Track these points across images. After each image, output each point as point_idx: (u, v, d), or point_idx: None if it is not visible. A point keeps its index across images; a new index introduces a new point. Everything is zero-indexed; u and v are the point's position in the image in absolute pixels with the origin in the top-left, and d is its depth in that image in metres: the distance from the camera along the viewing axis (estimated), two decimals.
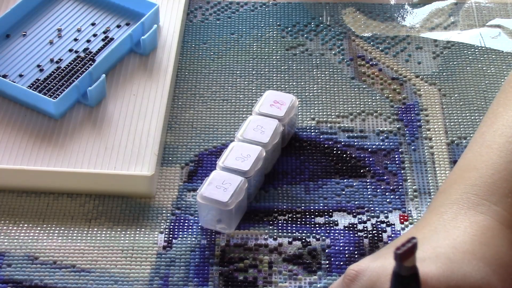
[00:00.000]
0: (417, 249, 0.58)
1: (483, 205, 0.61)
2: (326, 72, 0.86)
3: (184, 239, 0.72)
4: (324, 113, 0.82)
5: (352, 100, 0.84)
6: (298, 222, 0.73)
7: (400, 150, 0.79)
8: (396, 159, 0.78)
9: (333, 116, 0.82)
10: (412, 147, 0.79)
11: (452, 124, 0.81)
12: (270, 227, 0.73)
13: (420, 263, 0.54)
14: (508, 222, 0.60)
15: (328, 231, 0.73)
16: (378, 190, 0.76)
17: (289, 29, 0.91)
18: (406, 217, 0.74)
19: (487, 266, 0.57)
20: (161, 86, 0.83)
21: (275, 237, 0.72)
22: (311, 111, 0.83)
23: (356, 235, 0.72)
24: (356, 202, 0.75)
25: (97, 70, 0.82)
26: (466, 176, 0.64)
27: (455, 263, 0.56)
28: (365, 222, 0.73)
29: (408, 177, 0.77)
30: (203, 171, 0.77)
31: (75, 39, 0.87)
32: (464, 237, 0.59)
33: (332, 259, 0.70)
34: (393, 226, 0.73)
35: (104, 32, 0.88)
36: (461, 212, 0.61)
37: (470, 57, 0.88)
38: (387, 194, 0.76)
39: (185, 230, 0.73)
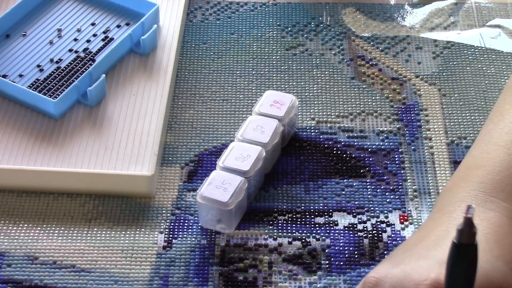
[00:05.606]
0: (435, 251, 0.57)
1: (492, 202, 0.61)
2: (326, 72, 0.86)
3: (184, 239, 0.72)
4: (324, 113, 0.82)
5: (352, 100, 0.84)
6: (298, 222, 0.73)
7: (400, 150, 0.79)
8: (396, 159, 0.78)
9: (333, 116, 0.82)
10: (412, 147, 0.79)
11: (452, 124, 0.81)
12: (270, 227, 0.73)
13: (442, 265, 0.54)
14: None
15: (328, 231, 0.73)
16: (378, 190, 0.76)
17: (289, 29, 0.91)
18: (406, 217, 0.74)
19: (505, 265, 0.57)
20: (161, 86, 0.83)
21: (275, 237, 0.72)
22: (311, 111, 0.83)
23: (356, 235, 0.72)
24: (356, 202, 0.75)
25: (97, 70, 0.82)
26: (472, 173, 0.63)
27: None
28: (365, 222, 0.73)
29: (408, 177, 0.77)
30: (203, 171, 0.77)
31: (75, 39, 0.87)
32: (478, 236, 0.59)
33: (332, 259, 0.70)
34: (393, 226, 0.73)
35: (104, 32, 0.88)
36: None
37: (470, 57, 0.88)
38: (387, 194, 0.76)
39: (185, 230, 0.73)
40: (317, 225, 0.73)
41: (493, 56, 0.88)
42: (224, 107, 0.83)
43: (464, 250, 0.49)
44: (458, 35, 0.90)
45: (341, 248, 0.71)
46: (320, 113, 0.82)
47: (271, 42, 0.90)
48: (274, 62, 0.88)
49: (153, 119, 0.80)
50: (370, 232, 0.72)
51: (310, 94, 0.84)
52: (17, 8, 0.88)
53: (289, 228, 0.73)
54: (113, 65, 0.85)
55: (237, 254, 0.71)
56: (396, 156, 0.79)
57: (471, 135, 0.80)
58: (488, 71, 0.86)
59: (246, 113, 0.82)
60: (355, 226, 0.73)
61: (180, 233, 0.72)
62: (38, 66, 0.84)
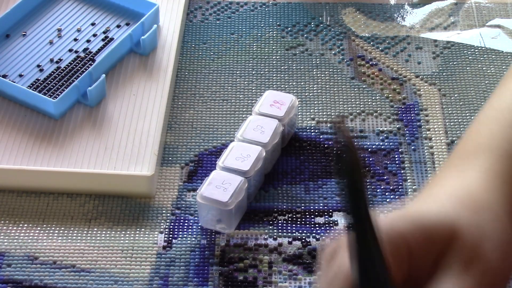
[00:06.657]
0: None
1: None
2: (326, 72, 0.86)
3: (184, 239, 0.72)
4: (324, 113, 0.82)
5: (352, 100, 0.84)
6: (298, 222, 0.73)
7: (400, 150, 0.79)
8: (396, 159, 0.78)
9: (333, 116, 0.82)
10: (412, 147, 0.79)
11: (452, 124, 0.81)
12: (270, 227, 0.73)
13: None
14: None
15: (328, 231, 0.72)
16: (378, 190, 0.76)
17: (289, 29, 0.91)
18: None
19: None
20: (161, 86, 0.83)
21: (275, 237, 0.72)
22: (311, 111, 0.83)
23: None
24: None
25: (97, 70, 0.82)
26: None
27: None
28: None
29: (408, 177, 0.77)
30: (203, 171, 0.77)
31: (75, 39, 0.87)
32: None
33: None
34: None
35: (104, 32, 0.88)
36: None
37: (470, 57, 0.88)
38: (387, 194, 0.76)
39: (185, 230, 0.73)
40: (317, 225, 0.73)
41: (493, 56, 0.88)
42: (224, 107, 0.83)
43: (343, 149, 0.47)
44: (458, 35, 0.90)
45: None
46: (320, 113, 0.82)
47: (271, 42, 0.90)
48: (274, 62, 0.88)
49: (153, 119, 0.80)
50: None
51: (310, 94, 0.84)
52: (17, 8, 0.88)
53: (289, 228, 0.73)
54: (113, 65, 0.85)
55: (237, 254, 0.71)
56: (396, 156, 0.79)
57: None
58: (488, 71, 0.86)
59: (246, 113, 0.82)
60: None
61: (180, 233, 0.72)
62: (38, 66, 0.84)
